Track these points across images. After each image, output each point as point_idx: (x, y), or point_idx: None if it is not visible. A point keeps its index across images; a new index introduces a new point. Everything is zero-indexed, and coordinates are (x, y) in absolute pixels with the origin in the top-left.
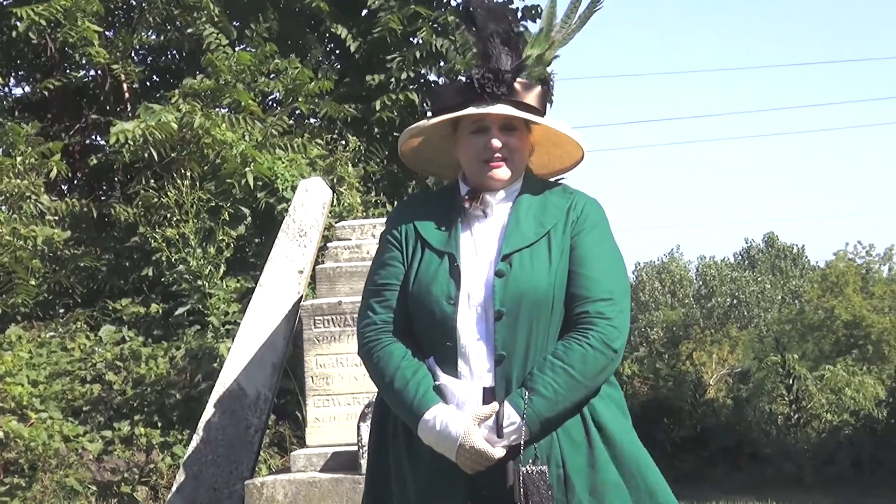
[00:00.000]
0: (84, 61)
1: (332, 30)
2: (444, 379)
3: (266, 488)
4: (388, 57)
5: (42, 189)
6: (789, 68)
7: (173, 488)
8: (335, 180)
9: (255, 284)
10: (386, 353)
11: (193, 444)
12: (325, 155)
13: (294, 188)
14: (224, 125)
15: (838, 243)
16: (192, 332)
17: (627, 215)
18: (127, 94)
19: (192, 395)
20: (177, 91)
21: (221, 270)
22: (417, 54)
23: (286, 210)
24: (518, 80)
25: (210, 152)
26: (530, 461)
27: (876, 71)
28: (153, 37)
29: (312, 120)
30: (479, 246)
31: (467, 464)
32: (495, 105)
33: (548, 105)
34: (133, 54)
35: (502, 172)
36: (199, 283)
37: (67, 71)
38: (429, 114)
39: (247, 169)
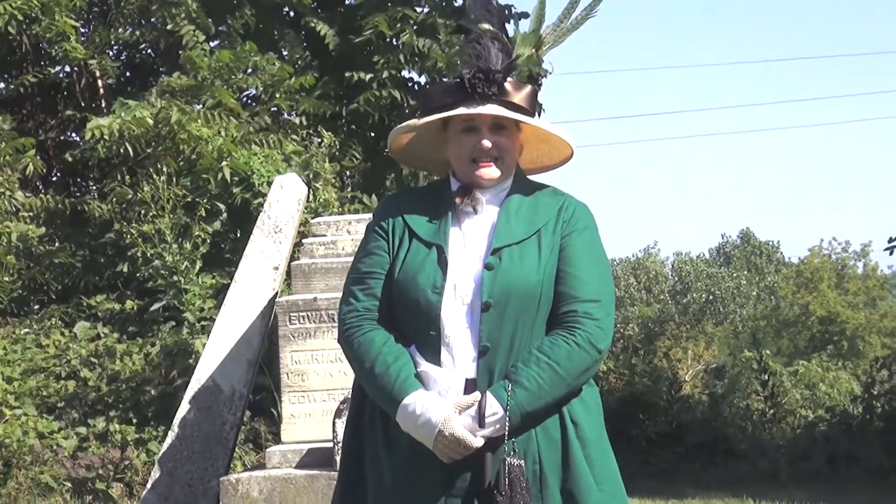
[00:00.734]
0: (60, 57)
1: (312, 25)
2: (426, 367)
3: (241, 485)
4: (375, 59)
5: (17, 185)
6: (767, 64)
7: (148, 485)
8: (311, 176)
9: (231, 280)
10: (367, 338)
11: (168, 440)
12: (301, 151)
13: (270, 184)
14: (200, 121)
15: (814, 239)
16: (167, 329)
17: (604, 211)
18: (102, 90)
19: (168, 392)
20: (154, 90)
21: (197, 266)
22: (402, 57)
23: (262, 206)
24: (508, 79)
25: (186, 148)
26: (511, 454)
27: (856, 67)
28: (129, 32)
29: (290, 116)
30: (467, 240)
31: (445, 452)
32: (486, 105)
33: (538, 104)
34: (109, 50)
35: (492, 172)
36: (175, 279)
37: (43, 66)
38: (418, 112)
39: (223, 164)
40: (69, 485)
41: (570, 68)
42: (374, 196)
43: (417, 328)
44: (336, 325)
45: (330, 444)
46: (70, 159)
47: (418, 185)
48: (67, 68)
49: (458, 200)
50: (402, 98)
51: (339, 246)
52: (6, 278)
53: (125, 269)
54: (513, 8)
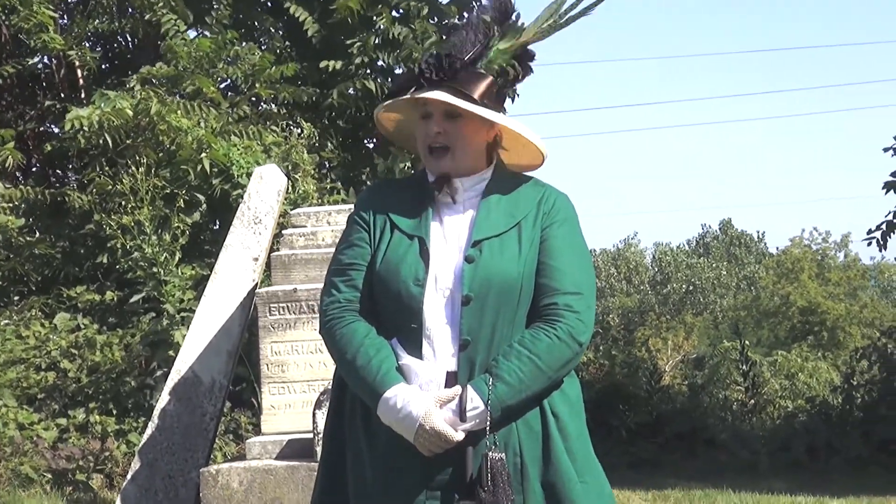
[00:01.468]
0: (39, 47)
1: (291, 12)
2: (407, 360)
3: (221, 476)
4: (348, 42)
5: None
6: (747, 55)
7: (128, 476)
8: (290, 167)
9: (211, 272)
10: (349, 330)
11: (148, 431)
12: (281, 142)
13: (249, 175)
14: (180, 112)
15: (795, 230)
16: (147, 320)
17: (585, 202)
18: (82, 81)
19: (148, 383)
20: (134, 77)
21: (176, 258)
22: (375, 40)
23: (241, 197)
24: (468, 68)
25: (165, 139)
26: (492, 447)
27: (836, 58)
28: (108, 22)
29: (269, 106)
30: (448, 233)
31: (426, 445)
32: (433, 91)
33: (500, 97)
34: (87, 40)
35: (440, 161)
36: (154, 270)
37: (22, 57)
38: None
39: (202, 155)
40: (49, 476)
41: (549, 59)
42: (351, 188)
43: (399, 320)
44: (316, 315)
45: (310, 436)
46: (49, 150)
47: (395, 177)
48: (46, 59)
49: (436, 191)
50: (378, 89)
51: (320, 237)
52: None
53: (105, 261)
54: None
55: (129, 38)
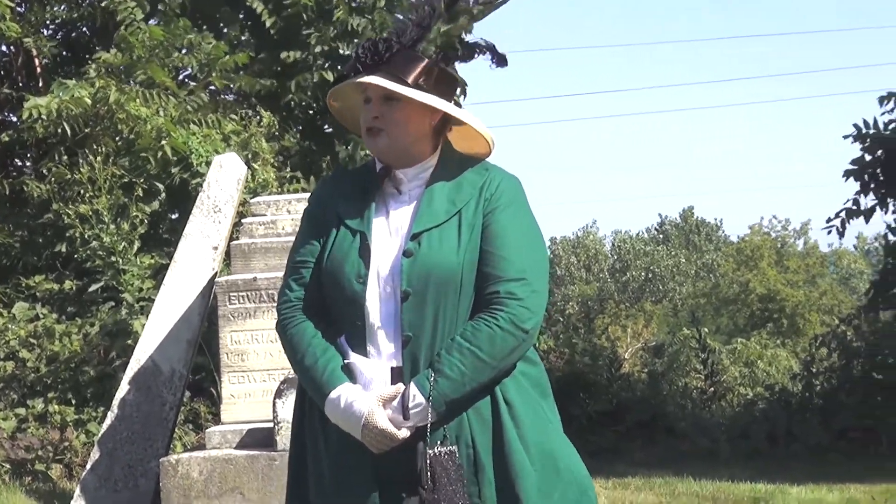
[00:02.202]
0: None
1: (248, 3)
2: (353, 358)
3: (181, 465)
4: (305, 32)
5: None
6: (707, 43)
7: (88, 466)
8: (250, 156)
9: (170, 261)
10: (298, 330)
11: (108, 421)
12: (240, 130)
13: (208, 164)
14: (138, 101)
15: (754, 218)
16: (106, 309)
17: (544, 190)
18: (39, 69)
19: (107, 372)
20: (91, 66)
21: (136, 247)
22: (333, 31)
23: (200, 186)
24: (407, 52)
25: (124, 128)
26: (438, 442)
27: (796, 46)
28: (65, 10)
29: (227, 96)
30: (392, 225)
31: (373, 443)
32: (369, 75)
33: (436, 78)
34: (45, 28)
35: (376, 142)
36: (113, 259)
37: None
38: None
39: (162, 143)
40: (8, 466)
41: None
42: (312, 177)
43: (345, 318)
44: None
45: (270, 425)
46: (7, 139)
47: (356, 164)
48: (3, 47)
49: (381, 182)
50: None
51: (279, 225)
52: None
53: (63, 250)
54: None
55: (88, 27)
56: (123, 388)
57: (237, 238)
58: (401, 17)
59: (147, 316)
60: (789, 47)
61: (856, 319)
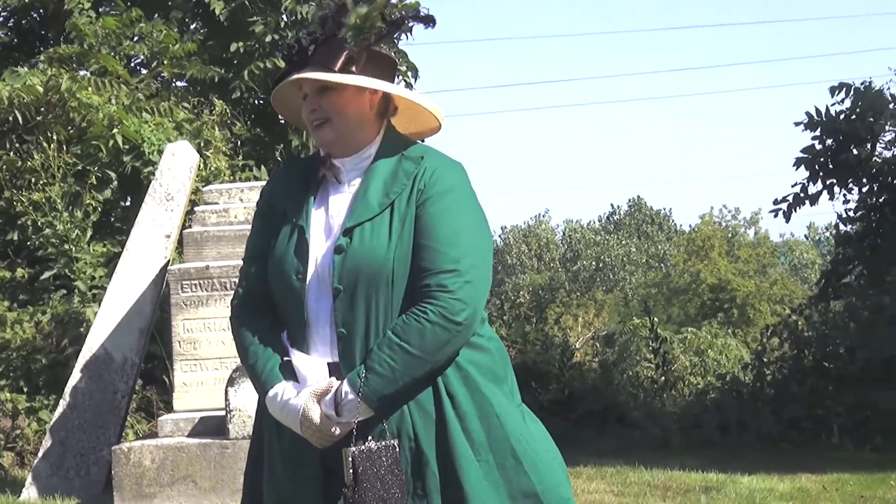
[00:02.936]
0: None
1: None
2: (293, 354)
3: (133, 453)
4: (251, 19)
5: None
6: (656, 32)
7: (39, 454)
8: (202, 144)
9: (122, 249)
10: (243, 328)
11: (60, 409)
12: (192, 119)
13: (161, 152)
14: (90, 88)
15: (704, 207)
16: (58, 297)
17: (496, 179)
18: None
19: (59, 360)
20: (42, 57)
21: (88, 234)
22: (282, 21)
23: (153, 174)
24: (328, 42)
25: (76, 116)
26: (370, 438)
27: (747, 35)
28: None
29: (179, 83)
30: (331, 218)
31: (313, 439)
32: (302, 71)
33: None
34: None
35: (321, 134)
36: (66, 247)
37: None
38: None
39: (114, 131)
40: None
41: (459, 36)
42: (262, 167)
43: (288, 314)
44: (229, 293)
45: (222, 413)
46: None
47: (309, 152)
48: None
49: (320, 172)
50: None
51: (232, 214)
52: None
53: (15, 237)
54: None
55: (39, 14)
56: (75, 377)
57: (189, 226)
58: (319, 9)
59: (99, 304)
60: (739, 37)
61: (807, 309)
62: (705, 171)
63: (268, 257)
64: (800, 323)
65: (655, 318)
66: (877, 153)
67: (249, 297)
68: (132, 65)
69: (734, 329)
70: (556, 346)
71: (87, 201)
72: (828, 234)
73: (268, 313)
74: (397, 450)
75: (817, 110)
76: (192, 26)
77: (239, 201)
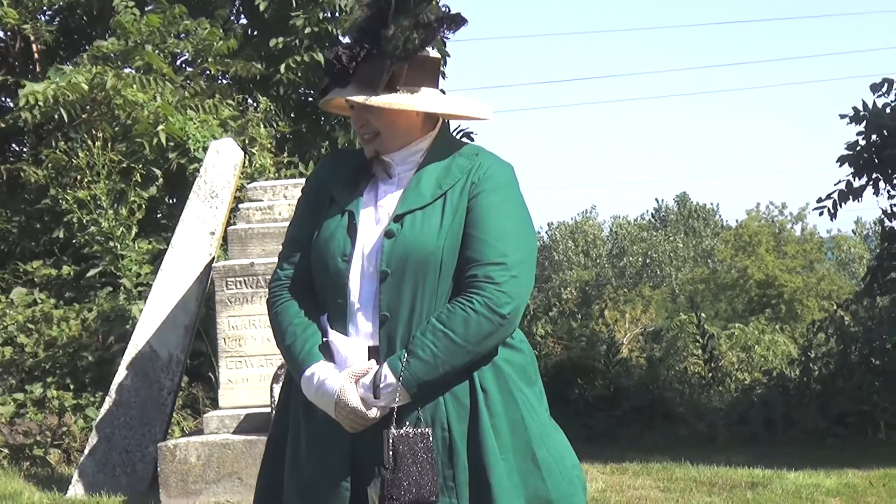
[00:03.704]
0: None
1: None
2: (332, 336)
3: (179, 450)
4: (292, 13)
5: None
6: (701, 27)
7: (86, 451)
8: (246, 141)
9: (167, 246)
10: (282, 309)
11: (106, 406)
12: (237, 116)
13: (205, 149)
14: (135, 86)
15: (751, 203)
16: (104, 294)
17: (543, 175)
18: (37, 55)
19: (105, 358)
20: (85, 55)
21: (133, 232)
22: (321, 14)
23: (198, 171)
24: (371, 59)
25: (121, 113)
26: (407, 423)
27: (793, 30)
28: None
29: (223, 81)
30: (380, 207)
31: (346, 422)
32: (344, 90)
33: (431, 65)
34: (42, 14)
35: (372, 147)
36: (111, 244)
37: None
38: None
39: (159, 129)
40: (6, 451)
41: (507, 32)
42: (310, 162)
43: (328, 296)
44: None
45: (267, 410)
46: (3, 125)
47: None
48: (1, 33)
49: (371, 167)
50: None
51: (276, 211)
52: None
53: (61, 235)
54: None
55: (85, 13)
56: (121, 374)
57: (234, 223)
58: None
59: (145, 301)
60: (784, 32)
61: (853, 305)
62: (752, 167)
63: (311, 241)
64: (846, 318)
65: (702, 314)
66: None
67: (289, 279)
68: (177, 62)
69: (782, 325)
70: (602, 342)
71: (132, 199)
72: (875, 228)
73: (307, 296)
74: (430, 438)
75: (864, 104)
76: (237, 23)
77: (283, 198)
